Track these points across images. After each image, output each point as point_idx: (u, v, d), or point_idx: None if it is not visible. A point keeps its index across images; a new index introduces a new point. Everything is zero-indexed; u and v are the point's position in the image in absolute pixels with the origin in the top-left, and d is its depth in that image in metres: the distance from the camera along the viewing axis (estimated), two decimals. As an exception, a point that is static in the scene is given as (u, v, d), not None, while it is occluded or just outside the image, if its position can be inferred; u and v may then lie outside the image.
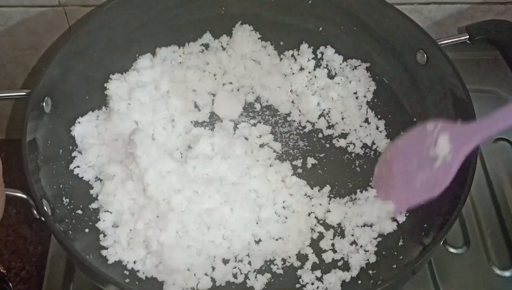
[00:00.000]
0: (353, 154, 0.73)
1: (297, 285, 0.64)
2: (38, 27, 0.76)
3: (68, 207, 0.65)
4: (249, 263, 0.64)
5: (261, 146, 0.73)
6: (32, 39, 0.78)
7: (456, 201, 0.60)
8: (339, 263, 0.65)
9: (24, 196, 0.58)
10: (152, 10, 0.73)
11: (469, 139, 0.59)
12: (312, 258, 0.65)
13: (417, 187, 0.63)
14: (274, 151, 0.73)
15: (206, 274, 0.63)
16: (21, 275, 0.80)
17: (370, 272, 0.64)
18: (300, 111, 0.76)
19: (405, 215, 0.67)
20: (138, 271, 0.63)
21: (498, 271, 0.70)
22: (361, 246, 0.66)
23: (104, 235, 0.64)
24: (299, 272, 0.64)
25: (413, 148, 0.64)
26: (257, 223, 0.66)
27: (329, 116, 0.76)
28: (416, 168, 0.63)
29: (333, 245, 0.66)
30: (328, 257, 0.65)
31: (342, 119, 0.75)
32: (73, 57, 0.68)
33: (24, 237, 0.83)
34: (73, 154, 0.69)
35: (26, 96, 0.63)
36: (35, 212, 0.58)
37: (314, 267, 0.65)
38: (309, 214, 0.68)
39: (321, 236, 0.67)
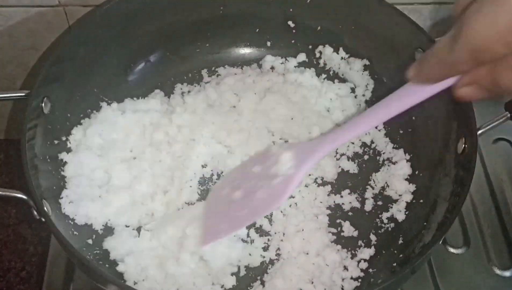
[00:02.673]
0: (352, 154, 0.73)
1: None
2: (38, 27, 0.76)
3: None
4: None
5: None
6: (32, 39, 0.78)
7: (456, 200, 0.60)
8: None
9: (24, 197, 0.58)
10: (152, 10, 0.73)
11: (312, 154, 0.59)
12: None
13: (255, 205, 0.60)
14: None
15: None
16: (21, 275, 0.80)
17: (370, 271, 0.64)
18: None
19: (405, 214, 0.68)
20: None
21: (498, 271, 0.70)
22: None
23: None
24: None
25: (253, 172, 0.64)
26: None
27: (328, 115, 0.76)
28: (255, 188, 0.61)
29: (333, 245, 0.66)
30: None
31: (341, 118, 0.75)
32: (72, 58, 0.68)
33: (24, 237, 0.83)
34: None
35: (25, 97, 0.63)
36: (35, 212, 0.58)
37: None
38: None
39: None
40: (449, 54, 0.41)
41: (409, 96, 0.50)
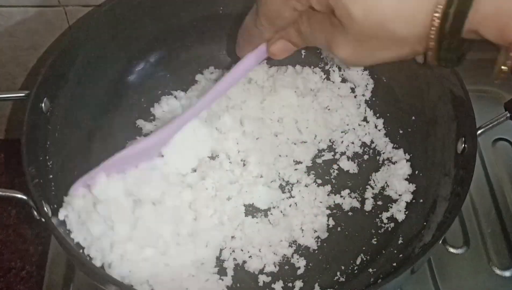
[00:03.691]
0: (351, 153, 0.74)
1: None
2: (38, 27, 0.76)
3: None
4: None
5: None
6: (32, 39, 0.78)
7: (455, 200, 0.60)
8: (339, 263, 0.65)
9: (24, 197, 0.58)
10: (151, 10, 0.73)
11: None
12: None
13: None
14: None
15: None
16: (21, 275, 0.80)
17: (370, 270, 0.64)
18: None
19: (405, 214, 0.68)
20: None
21: (498, 271, 0.70)
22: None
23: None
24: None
25: None
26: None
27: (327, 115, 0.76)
28: None
29: (332, 244, 0.66)
30: (328, 256, 0.65)
31: (341, 118, 0.75)
32: (72, 58, 0.68)
33: (24, 237, 0.83)
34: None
35: (25, 97, 0.63)
36: (35, 212, 0.58)
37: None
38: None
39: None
40: (255, 26, 0.50)
41: (245, 67, 0.57)
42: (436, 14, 0.41)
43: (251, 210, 0.68)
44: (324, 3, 0.44)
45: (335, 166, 0.72)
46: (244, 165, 0.70)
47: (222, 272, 0.64)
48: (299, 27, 0.50)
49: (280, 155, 0.72)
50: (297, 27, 0.50)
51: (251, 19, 0.51)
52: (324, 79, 0.78)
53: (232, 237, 0.66)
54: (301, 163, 0.72)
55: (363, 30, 0.43)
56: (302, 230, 0.67)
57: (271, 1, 0.47)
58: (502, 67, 0.41)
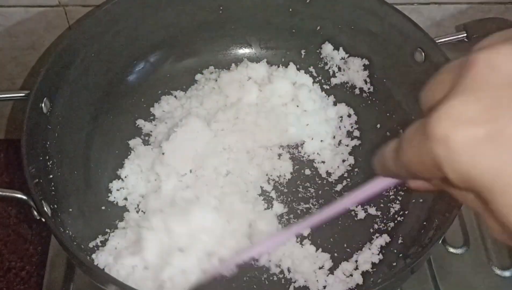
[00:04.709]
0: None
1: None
2: (38, 27, 0.76)
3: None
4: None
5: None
6: (32, 39, 0.78)
7: (455, 199, 0.60)
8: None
9: (24, 197, 0.58)
10: (152, 10, 0.73)
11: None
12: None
13: None
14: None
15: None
16: (21, 275, 0.80)
17: (370, 270, 0.64)
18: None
19: (405, 214, 0.68)
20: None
21: (498, 271, 0.70)
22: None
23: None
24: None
25: None
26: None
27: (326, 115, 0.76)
28: None
29: (332, 244, 0.66)
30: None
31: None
32: (72, 58, 0.68)
33: (24, 237, 0.83)
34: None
35: (25, 97, 0.63)
36: (35, 212, 0.58)
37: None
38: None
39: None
40: (392, 168, 0.40)
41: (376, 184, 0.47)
42: None
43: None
44: (466, 186, 0.32)
45: (335, 165, 0.72)
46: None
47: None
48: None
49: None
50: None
51: (390, 155, 0.40)
52: (324, 79, 0.78)
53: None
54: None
55: None
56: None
57: (408, 158, 0.37)
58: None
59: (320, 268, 0.64)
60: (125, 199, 0.69)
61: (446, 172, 0.32)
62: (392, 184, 0.45)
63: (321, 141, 0.74)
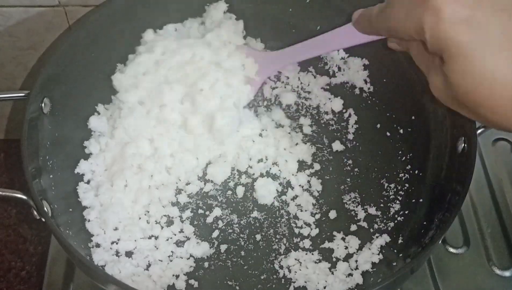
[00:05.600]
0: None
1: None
2: (38, 27, 0.76)
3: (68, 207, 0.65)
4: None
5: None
6: (32, 39, 0.78)
7: (455, 199, 0.60)
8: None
9: (24, 197, 0.58)
10: (152, 10, 0.73)
11: (272, 63, 0.70)
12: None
13: None
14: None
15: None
16: (21, 275, 0.80)
17: (370, 270, 0.64)
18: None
19: (405, 214, 0.68)
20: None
21: (498, 271, 0.70)
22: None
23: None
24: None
25: None
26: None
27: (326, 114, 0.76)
28: None
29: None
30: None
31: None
32: (72, 58, 0.68)
33: (24, 237, 0.83)
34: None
35: (25, 97, 0.63)
36: (35, 212, 0.58)
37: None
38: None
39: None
40: (374, 21, 0.52)
41: (350, 36, 0.59)
42: None
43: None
44: (435, 49, 0.44)
45: (335, 164, 0.73)
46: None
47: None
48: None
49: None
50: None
51: (374, 13, 0.52)
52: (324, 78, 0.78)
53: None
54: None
55: (463, 98, 0.45)
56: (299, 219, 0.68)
57: (394, 16, 0.48)
58: None
59: (320, 268, 0.64)
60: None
61: (426, 35, 0.44)
62: (363, 41, 0.57)
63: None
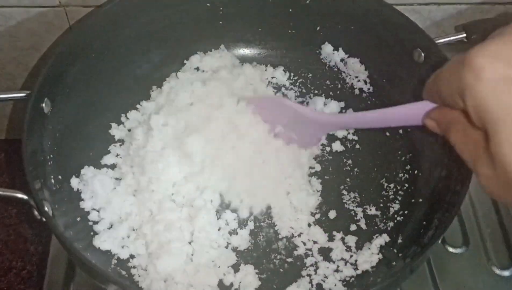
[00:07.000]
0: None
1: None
2: (38, 28, 0.76)
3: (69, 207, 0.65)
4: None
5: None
6: (33, 39, 0.78)
7: (455, 199, 0.60)
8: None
9: (25, 197, 0.58)
10: (152, 10, 0.73)
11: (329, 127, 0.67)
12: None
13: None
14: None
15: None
16: (22, 275, 0.80)
17: (370, 270, 0.64)
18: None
19: (405, 214, 0.68)
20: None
21: (497, 271, 0.71)
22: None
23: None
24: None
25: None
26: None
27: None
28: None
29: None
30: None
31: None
32: (72, 58, 0.68)
33: (25, 237, 0.83)
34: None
35: (26, 97, 0.63)
36: (35, 212, 0.58)
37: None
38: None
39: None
40: (429, 83, 0.45)
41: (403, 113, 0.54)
42: None
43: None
44: (478, 117, 0.38)
45: (335, 164, 0.73)
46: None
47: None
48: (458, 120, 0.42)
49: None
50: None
51: (433, 77, 0.45)
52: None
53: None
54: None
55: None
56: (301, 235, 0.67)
57: (442, 76, 0.42)
58: None
59: (320, 267, 0.64)
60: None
61: (466, 98, 0.37)
62: (427, 109, 0.48)
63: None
